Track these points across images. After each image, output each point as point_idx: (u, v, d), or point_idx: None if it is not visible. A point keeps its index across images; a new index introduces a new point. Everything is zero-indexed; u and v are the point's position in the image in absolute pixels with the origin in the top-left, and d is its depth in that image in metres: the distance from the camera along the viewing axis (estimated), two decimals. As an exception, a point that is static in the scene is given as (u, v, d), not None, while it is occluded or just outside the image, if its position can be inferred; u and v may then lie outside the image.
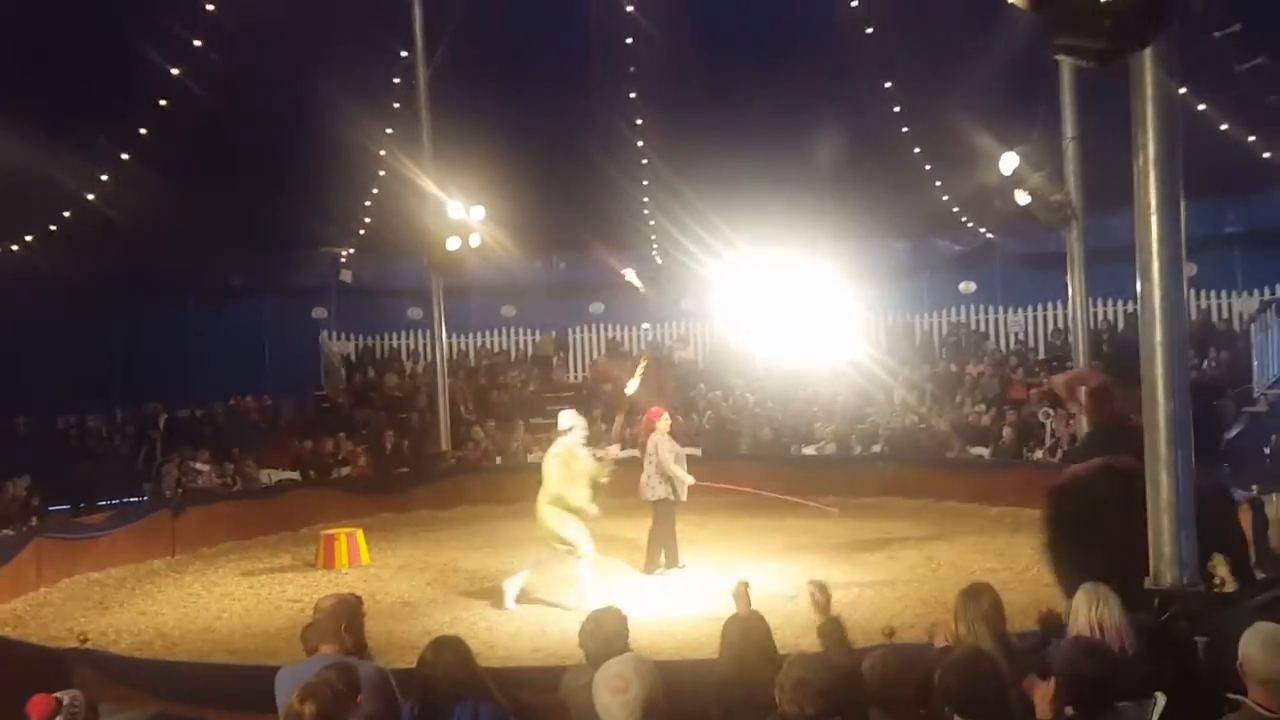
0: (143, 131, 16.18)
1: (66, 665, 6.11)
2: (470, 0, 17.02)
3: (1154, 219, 6.38)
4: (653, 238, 22.55)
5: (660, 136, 20.51)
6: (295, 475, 16.37)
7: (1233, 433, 14.95)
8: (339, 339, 22.11)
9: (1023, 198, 13.27)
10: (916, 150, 19.12)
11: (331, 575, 11.56)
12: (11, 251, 17.02)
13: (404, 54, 17.94)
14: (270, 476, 16.19)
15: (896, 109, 18.72)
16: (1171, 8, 6.21)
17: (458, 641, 4.69)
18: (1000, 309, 20.84)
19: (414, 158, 17.44)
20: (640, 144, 20.85)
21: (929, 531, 12.66)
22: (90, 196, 16.51)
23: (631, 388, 10.65)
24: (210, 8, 15.09)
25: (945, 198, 19.69)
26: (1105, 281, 16.35)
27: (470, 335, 22.64)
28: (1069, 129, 13.78)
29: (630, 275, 9.99)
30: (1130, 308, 17.68)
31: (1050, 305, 19.84)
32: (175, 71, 15.80)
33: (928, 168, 19.35)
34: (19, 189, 14.39)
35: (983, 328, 20.84)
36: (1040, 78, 13.75)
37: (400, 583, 11.10)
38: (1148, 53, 6.26)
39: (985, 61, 15.81)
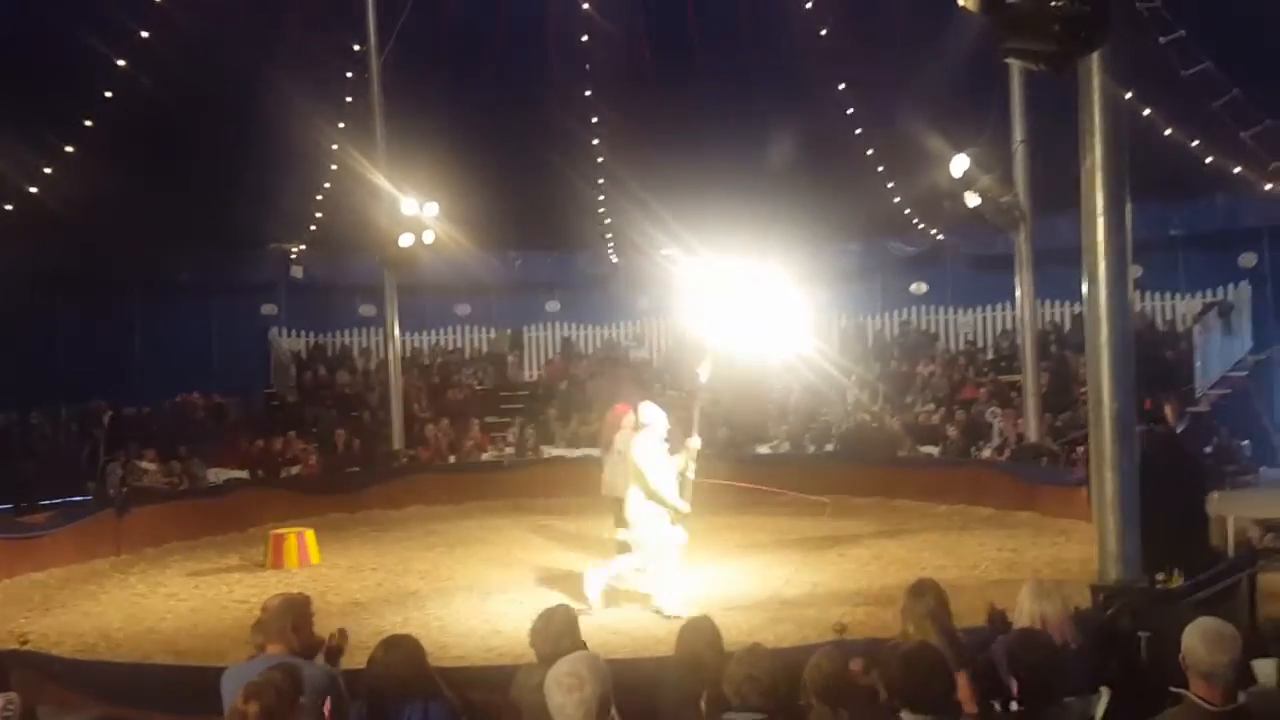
0: (88, 124, 15.87)
1: (4, 667, 5.96)
2: (424, -6, 16.92)
3: (1100, 221, 6.51)
4: (608, 236, 22.55)
5: (615, 135, 20.53)
6: (244, 474, 16.13)
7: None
8: (289, 336, 21.82)
9: (973, 200, 13.45)
10: (869, 152, 19.30)
11: (280, 575, 11.40)
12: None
13: (356, 47, 17.75)
14: (218, 476, 15.94)
15: (850, 111, 18.88)
16: (1119, 13, 6.32)
17: (410, 641, 4.65)
18: (951, 310, 21.09)
19: (366, 153, 17.27)
20: (595, 142, 20.84)
21: (880, 529, 12.79)
22: (33, 189, 16.14)
23: (704, 375, 10.31)
24: (158, -1, 14.86)
25: (897, 199, 19.90)
26: (1053, 283, 16.65)
27: (424, 333, 22.47)
28: (1018, 132, 14.00)
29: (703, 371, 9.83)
30: (1077, 309, 17.98)
31: (999, 306, 20.11)
32: (121, 63, 15.51)
33: (880, 170, 19.54)
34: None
35: (933, 328, 21.08)
36: (991, 81, 13.95)
37: (351, 583, 10.98)
38: (1095, 57, 6.38)
39: (937, 65, 16.00)
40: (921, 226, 20.54)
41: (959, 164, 13.24)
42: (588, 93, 20.28)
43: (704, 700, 4.26)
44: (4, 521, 12.66)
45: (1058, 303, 19.09)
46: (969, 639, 5.04)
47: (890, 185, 19.75)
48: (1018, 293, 15.09)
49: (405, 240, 16.30)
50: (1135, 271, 6.95)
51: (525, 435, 18.17)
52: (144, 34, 15.28)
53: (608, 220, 22.14)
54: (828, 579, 10.20)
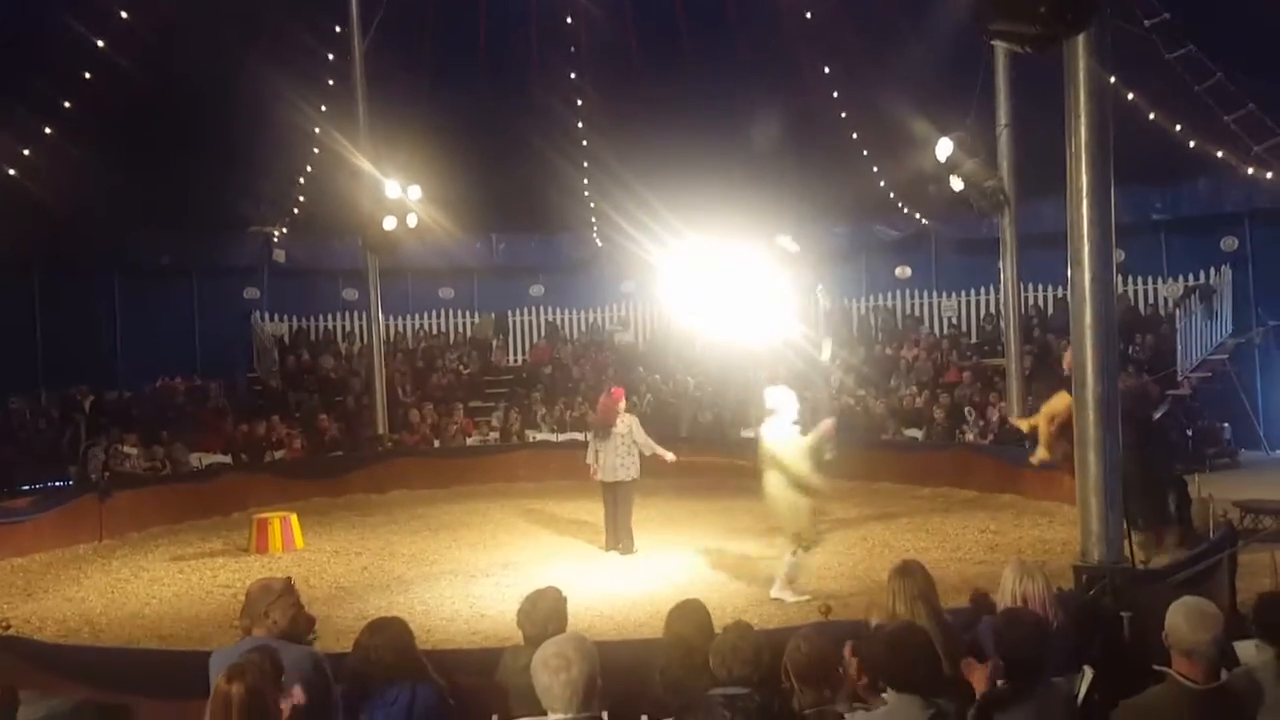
0: (67, 105, 15.69)
1: (-13, 653, 5.93)
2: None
3: (1085, 204, 6.52)
4: (593, 219, 22.49)
5: (600, 118, 20.46)
6: (227, 459, 16.07)
7: (1157, 414, 15.37)
8: (272, 320, 21.70)
9: (957, 184, 13.46)
10: (854, 135, 19.30)
11: (265, 560, 11.38)
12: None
13: (338, 29, 17.59)
14: (201, 460, 15.88)
15: (835, 94, 18.86)
16: (1104, -5, 6.33)
17: (396, 623, 4.65)
18: (935, 293, 21.15)
19: (349, 135, 17.14)
20: (580, 125, 20.76)
21: (864, 511, 12.84)
22: (12, 172, 15.97)
23: (826, 354, 10.12)
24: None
25: (882, 183, 19.91)
26: (1036, 267, 16.70)
27: (408, 317, 22.39)
28: (1002, 116, 14.00)
29: (785, 242, 9.64)
30: (1061, 293, 18.06)
31: (983, 290, 20.17)
32: (101, 44, 15.34)
33: (865, 153, 19.54)
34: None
35: (917, 312, 21.14)
36: (976, 65, 13.94)
37: (335, 567, 10.96)
38: (1080, 40, 6.38)
39: (922, 47, 15.99)
40: (906, 210, 20.57)
41: (943, 148, 13.25)
42: (572, 75, 20.19)
43: (693, 686, 4.26)
44: (-16, 506, 12.59)
45: (1041, 287, 19.16)
46: (954, 619, 5.06)
47: (875, 169, 19.75)
48: (1002, 276, 15.13)
49: (388, 223, 16.22)
50: (1118, 255, 6.97)
51: (510, 420, 18.15)
52: (123, 15, 15.10)
53: (592, 203, 22.07)
54: (812, 562, 10.21)
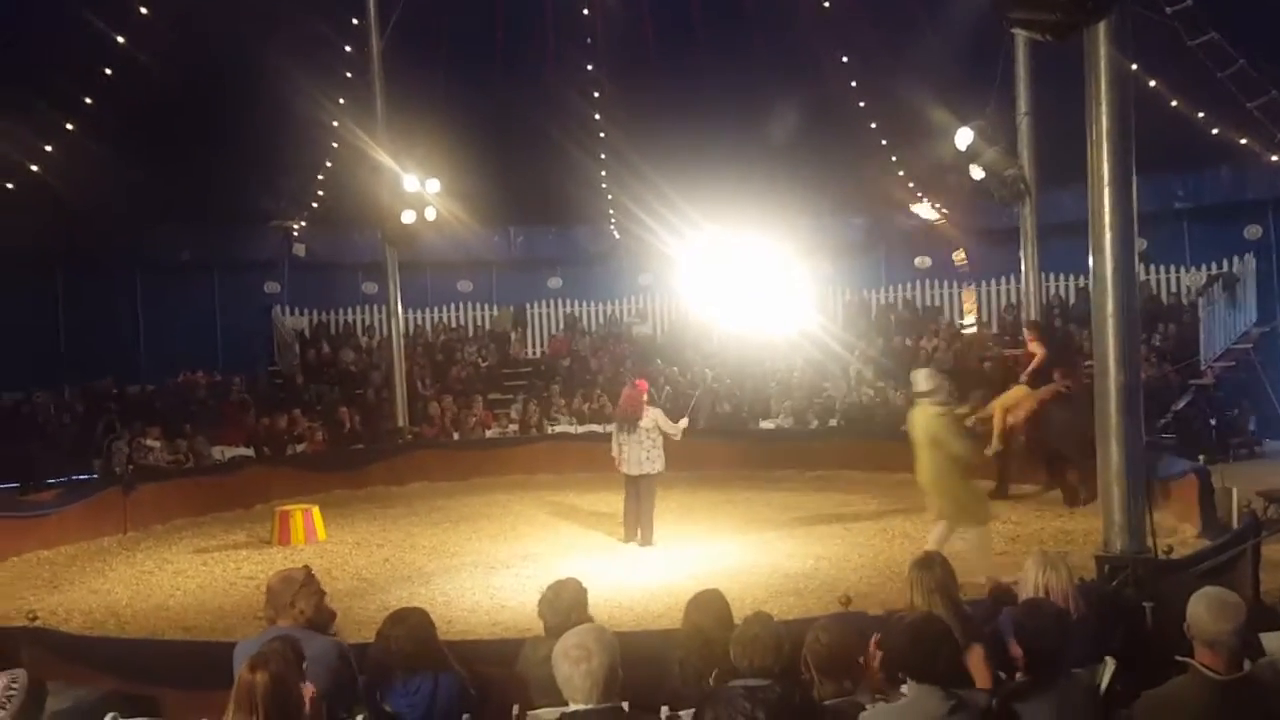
0: (89, 101, 15.80)
1: (14, 643, 6.00)
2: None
3: (1107, 192, 6.47)
4: (610, 212, 22.48)
5: (617, 109, 20.43)
6: (249, 452, 16.18)
7: (1180, 404, 15.27)
8: (292, 314, 21.81)
9: (977, 173, 13.38)
10: (873, 126, 19.20)
11: (287, 552, 11.44)
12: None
13: (355, 21, 17.63)
14: (223, 453, 15.99)
15: (853, 84, 18.77)
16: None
17: (417, 613, 4.68)
18: (955, 284, 21.03)
19: (367, 129, 17.18)
20: (598, 117, 20.74)
21: (885, 504, 12.80)
22: (35, 168, 16.10)
23: (971, 321, 10.04)
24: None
25: (901, 173, 19.81)
26: (1057, 256, 16.59)
27: (427, 310, 22.46)
28: (1023, 105, 13.90)
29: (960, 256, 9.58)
30: (1082, 282, 17.93)
31: (1003, 280, 20.06)
32: (121, 40, 15.43)
33: (884, 143, 19.44)
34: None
35: (937, 302, 21.04)
36: (995, 53, 13.85)
37: (357, 558, 11.03)
38: (1101, 27, 6.32)
39: (941, 36, 15.89)
40: (925, 200, 20.45)
41: (963, 137, 13.17)
42: (589, 67, 20.17)
43: (713, 677, 4.27)
44: (11, 500, 12.72)
45: (1062, 276, 19.03)
46: (974, 611, 5.05)
47: (894, 159, 19.65)
48: (1022, 266, 15.04)
49: (407, 217, 16.26)
50: (1140, 244, 6.91)
51: (528, 412, 18.19)
52: (143, 10, 15.18)
53: (609, 196, 22.07)
54: (831, 553, 10.22)
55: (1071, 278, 18.79)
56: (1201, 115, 16.12)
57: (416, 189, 16.26)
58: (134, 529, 13.03)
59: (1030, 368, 12.31)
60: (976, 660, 4.32)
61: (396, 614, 4.67)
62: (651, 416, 10.90)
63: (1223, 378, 16.19)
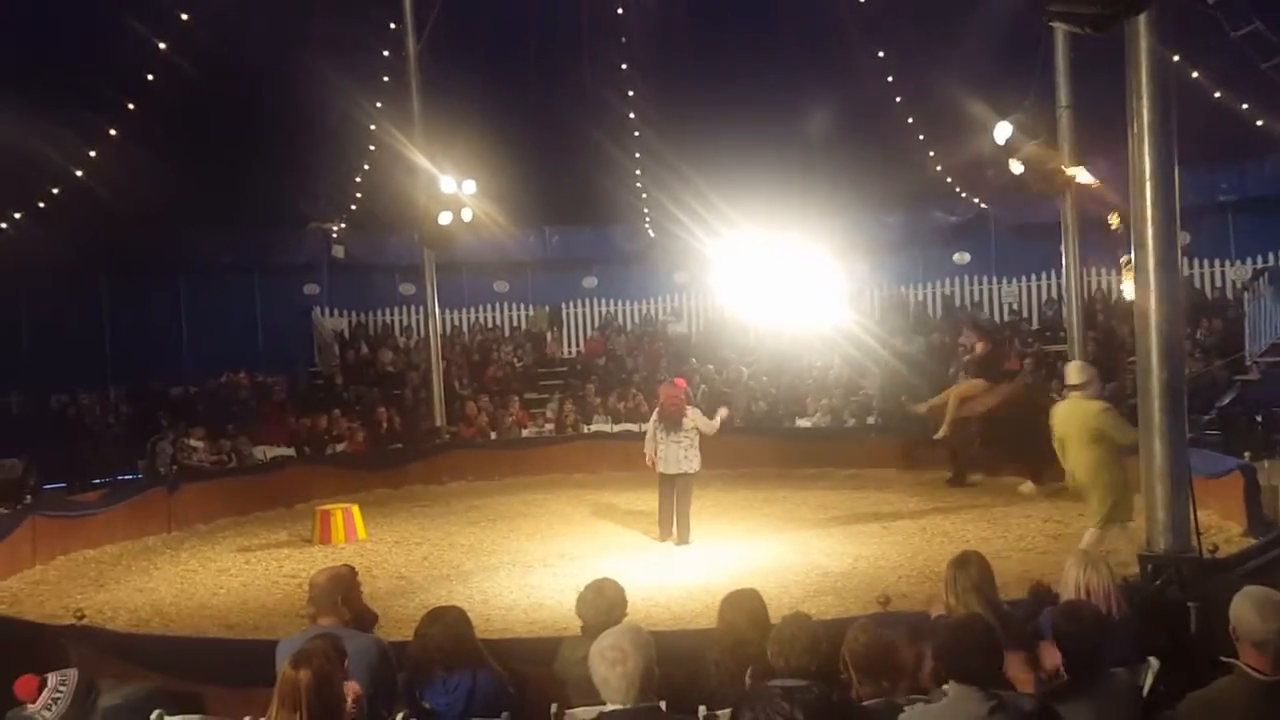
0: (130, 107, 16.06)
1: (64, 642, 6.11)
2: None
3: (1148, 186, 6.37)
4: (645, 210, 22.49)
5: (652, 108, 20.43)
6: (290, 452, 16.37)
7: (1225, 400, 15.01)
8: (331, 315, 22.05)
9: (1016, 167, 13.23)
10: (910, 120, 19.05)
11: (328, 550, 11.56)
12: (1, 230, 16.92)
13: (393, 25, 17.78)
14: (265, 453, 16.19)
15: (889, 79, 18.63)
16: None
17: (455, 611, 4.72)
18: (994, 279, 20.84)
19: (404, 131, 17.31)
20: (632, 116, 20.75)
21: (923, 502, 12.71)
22: (79, 173, 16.39)
23: (1128, 292, 9.88)
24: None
25: (939, 168, 19.64)
26: (1099, 250, 16.35)
27: (463, 311, 22.61)
28: (1063, 97, 13.72)
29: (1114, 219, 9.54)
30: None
31: (1044, 275, 19.83)
32: (163, 46, 15.66)
33: (921, 138, 19.28)
34: (7, 166, 14.28)
35: (976, 298, 20.83)
36: (1034, 45, 13.69)
37: (396, 557, 11.11)
38: (1142, 18, 6.23)
39: (979, 29, 15.73)
40: (964, 195, 20.28)
41: (1002, 131, 13.02)
42: (623, 66, 20.17)
43: (749, 675, 4.26)
44: (58, 500, 12.95)
45: (1104, 270, 18.78)
46: (1014, 611, 5.01)
47: (931, 154, 19.49)
48: (1063, 260, 14.86)
49: (444, 218, 16.34)
50: (1183, 238, 6.80)
51: (565, 411, 18.25)
52: (184, 16, 15.40)
53: (644, 195, 22.08)
54: (870, 552, 10.16)
55: (1113, 272, 18.49)
56: (1245, 106, 15.85)
57: (453, 190, 16.34)
58: (178, 528, 13.22)
59: (971, 358, 13.40)
60: (1017, 663, 4.27)
61: (433, 612, 4.71)
62: (690, 416, 10.90)
63: (1269, 373, 15.86)
